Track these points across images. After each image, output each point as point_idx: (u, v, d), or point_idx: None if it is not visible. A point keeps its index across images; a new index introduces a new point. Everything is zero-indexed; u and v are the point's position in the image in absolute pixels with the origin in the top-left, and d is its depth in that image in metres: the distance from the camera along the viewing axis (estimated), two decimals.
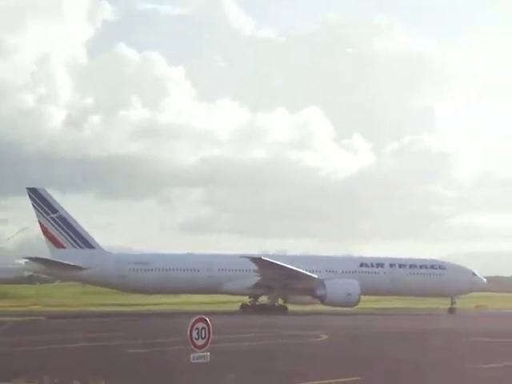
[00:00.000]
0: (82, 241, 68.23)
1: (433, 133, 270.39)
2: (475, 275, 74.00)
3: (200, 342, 11.98)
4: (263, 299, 69.61)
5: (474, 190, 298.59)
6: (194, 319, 12.02)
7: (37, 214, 67.33)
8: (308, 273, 67.54)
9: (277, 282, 67.25)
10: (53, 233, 67.17)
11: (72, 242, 67.60)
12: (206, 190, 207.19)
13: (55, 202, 68.48)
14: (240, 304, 71.54)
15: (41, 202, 67.53)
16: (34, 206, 67.37)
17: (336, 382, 19.11)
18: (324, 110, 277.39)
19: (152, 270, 69.01)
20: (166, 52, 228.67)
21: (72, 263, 65.69)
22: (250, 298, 71.78)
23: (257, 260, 65.45)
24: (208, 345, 12.00)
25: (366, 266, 71.15)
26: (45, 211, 67.19)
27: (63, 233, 67.54)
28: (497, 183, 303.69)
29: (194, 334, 11.95)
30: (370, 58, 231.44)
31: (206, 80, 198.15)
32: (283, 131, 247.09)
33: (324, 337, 35.85)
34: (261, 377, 20.12)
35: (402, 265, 71.85)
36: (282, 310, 68.21)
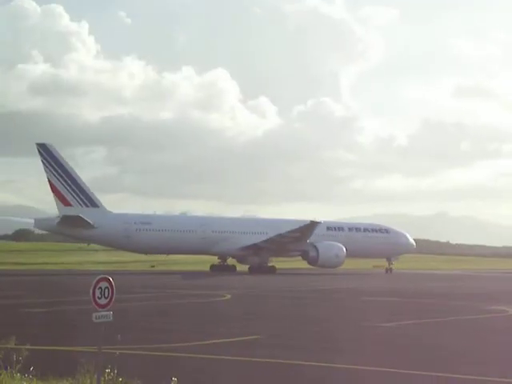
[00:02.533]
0: (88, 199, 67.85)
1: (337, 97, 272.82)
2: (408, 239, 79.62)
3: (103, 302, 12.02)
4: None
5: (375, 154, 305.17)
6: (96, 278, 12.03)
7: (46, 171, 66.31)
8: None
9: (277, 244, 69.92)
10: (61, 190, 66.53)
11: (78, 200, 67.08)
12: (109, 149, 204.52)
13: (63, 159, 67.38)
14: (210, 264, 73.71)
15: (50, 158, 66.43)
16: (43, 162, 66.27)
17: (236, 340, 19.42)
18: (231, 72, 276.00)
19: (153, 230, 69.20)
20: (68, 6, 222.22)
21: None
22: (218, 259, 74.36)
23: (312, 223, 67.24)
24: (111, 304, 12.04)
25: (332, 229, 75.44)
26: (54, 168, 66.16)
27: (70, 191, 66.85)
28: (397, 149, 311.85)
29: (98, 294, 11.98)
30: (277, 19, 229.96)
31: (111, 36, 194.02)
32: (189, 91, 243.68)
33: (227, 296, 36.39)
34: (152, 336, 20.07)
35: (357, 229, 77.31)
36: (273, 269, 70.87)
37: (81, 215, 64.68)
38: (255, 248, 70.34)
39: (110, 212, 69.87)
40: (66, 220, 64.58)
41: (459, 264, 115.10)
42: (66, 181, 66.29)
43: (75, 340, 18.01)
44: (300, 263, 77.40)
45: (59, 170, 66.16)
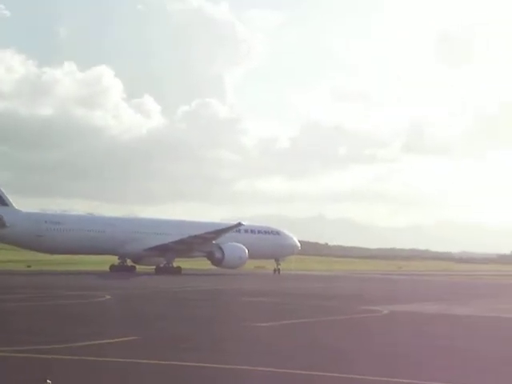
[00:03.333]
0: None
1: (221, 98, 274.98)
2: (295, 241, 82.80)
3: None
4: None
5: (258, 156, 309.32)
6: None
7: None
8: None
9: (187, 245, 70.57)
10: None
11: None
12: None
13: None
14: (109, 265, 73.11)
15: None
16: None
17: (113, 342, 19.07)
18: (115, 69, 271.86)
19: (65, 230, 67.57)
20: None
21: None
22: (119, 259, 73.43)
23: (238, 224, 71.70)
24: None
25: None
26: None
27: None
28: (279, 151, 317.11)
29: None
30: (161, 18, 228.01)
31: None
32: (71, 88, 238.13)
33: (107, 297, 35.78)
34: (23, 338, 19.31)
35: (252, 231, 78.68)
36: (178, 270, 70.72)
37: (1, 214, 63.02)
38: (162, 249, 70.43)
39: (20, 211, 67.56)
40: None
41: (337, 265, 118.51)
42: None
43: None
44: (202, 264, 78.22)
45: None
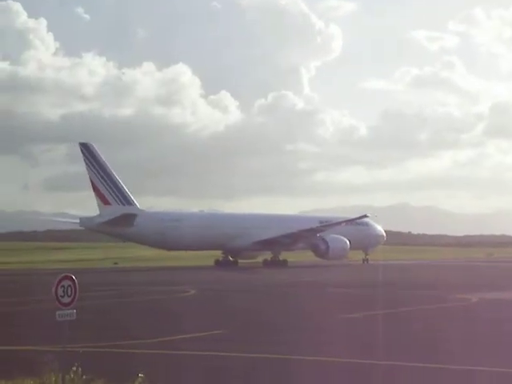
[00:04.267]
0: (124, 198, 68.34)
1: (298, 91, 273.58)
2: (382, 231, 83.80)
3: (66, 300, 12.01)
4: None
5: (336, 146, 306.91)
6: (59, 277, 12.02)
7: (88, 171, 66.99)
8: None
9: (292, 238, 72.38)
10: (101, 190, 67.05)
11: (116, 198, 67.55)
12: (71, 146, 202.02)
13: (101, 157, 67.74)
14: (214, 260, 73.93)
15: (92, 158, 66.97)
16: (85, 162, 66.71)
17: (199, 336, 19.46)
18: (192, 67, 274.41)
19: (184, 227, 69.89)
20: (26, 3, 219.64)
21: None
22: (222, 254, 74.81)
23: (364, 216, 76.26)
24: (74, 302, 12.04)
25: (324, 223, 76.48)
26: (95, 168, 66.79)
27: (109, 190, 67.35)
28: (358, 140, 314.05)
29: (60, 292, 11.97)
30: (236, 13, 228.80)
31: (70, 33, 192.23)
32: (151, 87, 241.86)
33: (192, 291, 36.36)
34: (119, 333, 20.02)
35: (346, 223, 78.01)
36: (284, 263, 72.23)
37: (136, 213, 66.09)
38: (270, 242, 71.97)
39: (143, 210, 70.52)
40: (122, 218, 65.34)
41: (424, 254, 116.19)
42: (105, 180, 67.01)
43: (39, 339, 17.92)
44: (298, 256, 78.63)
45: (100, 170, 66.94)
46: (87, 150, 66.75)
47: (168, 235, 68.84)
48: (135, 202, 69.59)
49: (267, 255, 73.89)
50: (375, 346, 17.48)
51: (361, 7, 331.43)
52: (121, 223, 65.60)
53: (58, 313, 11.85)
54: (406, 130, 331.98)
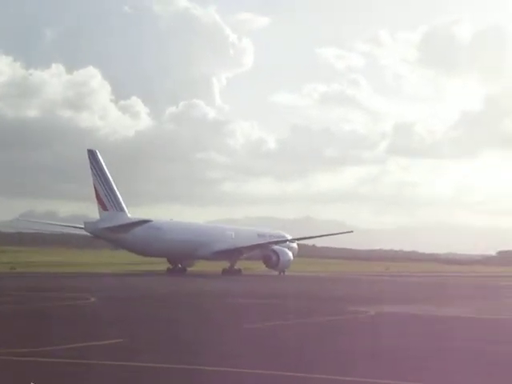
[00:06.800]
0: (118, 204, 69.15)
1: (209, 100, 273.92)
2: (295, 244, 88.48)
3: None
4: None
5: (245, 158, 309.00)
6: None
7: (92, 177, 67.59)
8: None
9: (248, 250, 76.85)
10: (102, 196, 67.96)
11: (112, 204, 68.48)
12: None
13: (103, 164, 68.35)
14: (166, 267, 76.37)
15: (96, 164, 67.69)
16: (91, 168, 67.45)
17: (97, 344, 18.90)
18: (102, 71, 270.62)
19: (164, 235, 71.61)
20: None
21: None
22: (170, 263, 77.02)
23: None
24: None
25: (261, 236, 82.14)
26: (98, 174, 67.58)
27: (107, 196, 68.25)
28: (267, 152, 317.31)
29: None
30: (148, 19, 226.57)
31: None
32: (58, 89, 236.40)
33: (92, 299, 35.49)
34: (11, 340, 19.24)
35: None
36: (239, 272, 76.34)
37: (147, 219, 68.59)
38: (229, 252, 75.75)
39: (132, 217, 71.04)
40: (133, 225, 67.30)
41: (330, 267, 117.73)
42: (105, 186, 67.90)
43: None
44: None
45: (102, 176, 67.75)
46: (93, 157, 67.76)
47: (153, 244, 70.61)
48: (124, 207, 70.25)
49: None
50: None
51: (274, 22, 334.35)
52: (122, 230, 67.31)
53: None
54: (313, 145, 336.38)
